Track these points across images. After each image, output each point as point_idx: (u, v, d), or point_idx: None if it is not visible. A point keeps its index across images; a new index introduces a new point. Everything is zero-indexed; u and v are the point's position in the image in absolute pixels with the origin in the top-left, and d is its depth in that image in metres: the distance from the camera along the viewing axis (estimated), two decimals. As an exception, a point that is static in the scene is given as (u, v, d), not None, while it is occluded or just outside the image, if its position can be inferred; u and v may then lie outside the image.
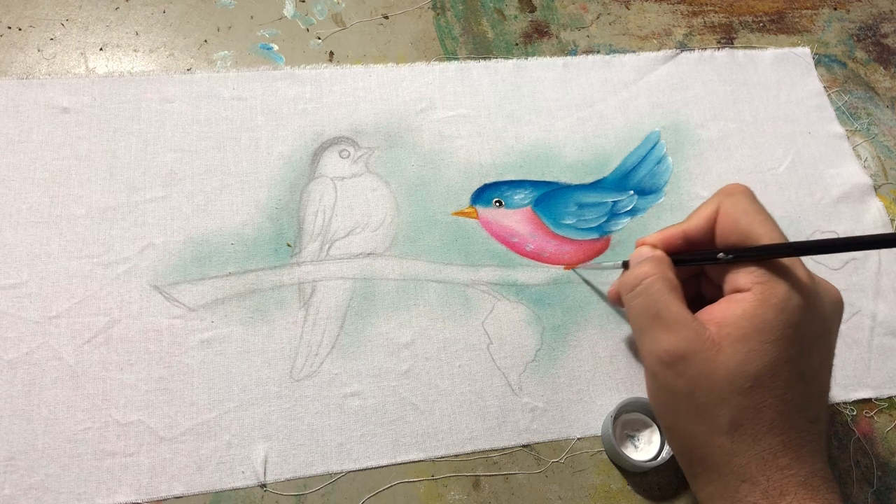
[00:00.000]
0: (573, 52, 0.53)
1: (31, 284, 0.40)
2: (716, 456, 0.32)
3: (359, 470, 0.39)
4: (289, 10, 0.52)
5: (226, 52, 0.49)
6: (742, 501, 0.32)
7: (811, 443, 0.32)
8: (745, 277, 0.33)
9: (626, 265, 0.40)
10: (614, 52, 0.54)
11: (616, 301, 0.43)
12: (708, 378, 0.32)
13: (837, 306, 0.35)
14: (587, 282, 0.45)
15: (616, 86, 0.52)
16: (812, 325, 0.33)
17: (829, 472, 0.32)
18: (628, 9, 0.56)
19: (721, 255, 0.34)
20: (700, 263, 0.37)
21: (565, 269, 0.45)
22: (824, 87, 0.55)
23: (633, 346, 0.43)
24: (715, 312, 0.33)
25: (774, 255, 0.33)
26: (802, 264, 0.33)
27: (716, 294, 0.35)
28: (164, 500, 0.37)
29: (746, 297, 0.32)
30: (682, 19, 0.57)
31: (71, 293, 0.40)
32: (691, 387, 0.32)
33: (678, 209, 0.48)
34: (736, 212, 0.35)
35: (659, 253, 0.37)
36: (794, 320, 0.32)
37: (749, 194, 0.35)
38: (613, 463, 0.40)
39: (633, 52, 0.54)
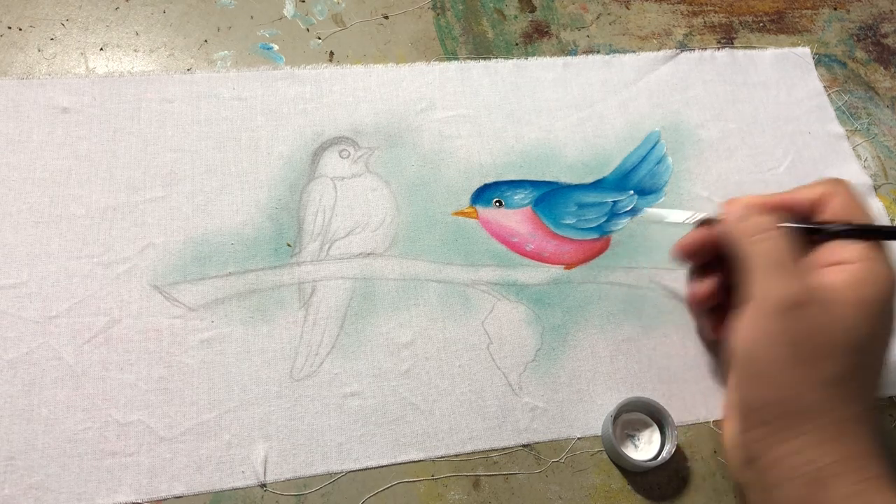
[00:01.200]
0: (573, 52, 0.53)
1: (31, 284, 0.40)
2: (813, 407, 0.33)
3: (359, 470, 0.38)
4: (289, 10, 0.52)
5: (226, 52, 0.49)
6: (832, 455, 0.32)
7: (875, 423, 0.34)
8: (850, 252, 0.35)
9: (700, 224, 0.41)
10: (614, 52, 0.54)
11: (687, 254, 0.41)
12: (825, 329, 0.33)
13: None
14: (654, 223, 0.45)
15: (616, 86, 0.52)
16: (892, 316, 0.35)
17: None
18: (628, 9, 0.56)
19: (834, 226, 0.36)
20: (812, 232, 0.37)
21: (568, 271, 0.45)
22: (824, 87, 0.55)
23: (634, 346, 0.43)
24: (823, 276, 0.34)
25: (887, 237, 0.35)
26: None
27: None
28: (164, 500, 0.37)
29: (853, 268, 0.34)
30: (682, 19, 0.57)
31: (71, 293, 0.40)
32: (806, 334, 0.33)
33: (678, 209, 0.48)
34: (854, 197, 0.37)
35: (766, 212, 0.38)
36: (891, 303, 0.34)
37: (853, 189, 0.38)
38: (613, 462, 0.40)
39: (633, 52, 0.54)
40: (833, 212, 0.37)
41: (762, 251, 0.36)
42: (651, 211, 0.45)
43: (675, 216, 0.43)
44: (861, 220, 0.36)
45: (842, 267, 0.35)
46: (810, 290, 0.34)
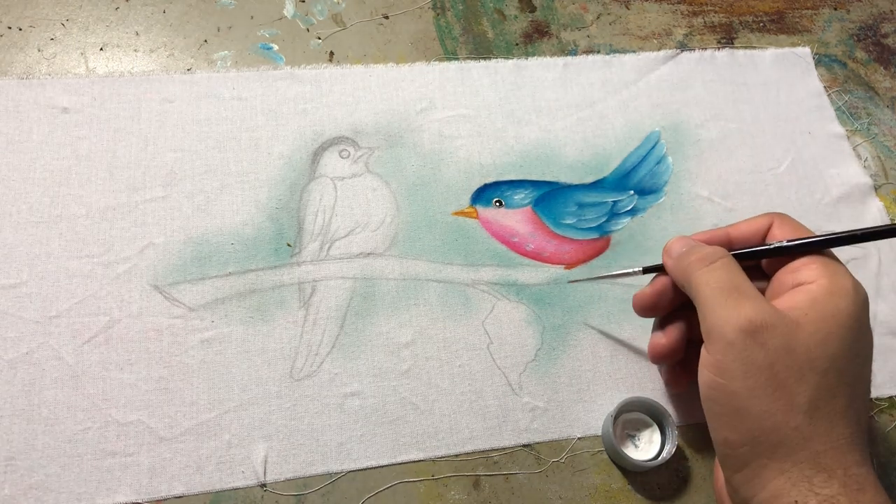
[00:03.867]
0: (573, 52, 0.53)
1: (31, 284, 0.40)
2: (791, 440, 0.31)
3: (359, 470, 0.38)
4: (289, 10, 0.52)
5: (226, 52, 0.49)
6: (818, 494, 0.30)
7: (866, 443, 0.32)
8: (808, 273, 0.34)
9: (647, 270, 0.40)
10: (614, 52, 0.54)
11: (645, 308, 0.40)
12: (789, 351, 0.31)
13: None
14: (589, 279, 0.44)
15: (616, 86, 0.52)
16: (867, 329, 0.33)
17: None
18: (628, 9, 0.56)
19: (778, 244, 0.36)
20: (758, 257, 0.37)
21: (567, 271, 0.45)
22: (824, 87, 0.55)
23: (634, 346, 0.43)
24: (783, 302, 0.33)
25: (839, 244, 0.35)
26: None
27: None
28: (164, 500, 0.37)
29: (813, 287, 0.33)
30: (683, 19, 0.57)
31: (71, 293, 0.40)
32: (772, 358, 0.31)
33: (678, 209, 0.48)
34: (796, 225, 0.37)
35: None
36: (858, 313, 0.32)
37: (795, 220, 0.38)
38: (614, 462, 0.40)
39: (634, 52, 0.54)
40: (777, 236, 0.37)
41: (714, 279, 0.34)
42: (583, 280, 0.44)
43: (618, 272, 0.42)
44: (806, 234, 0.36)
45: (801, 288, 0.33)
46: (771, 312, 0.32)
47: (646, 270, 0.40)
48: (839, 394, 0.31)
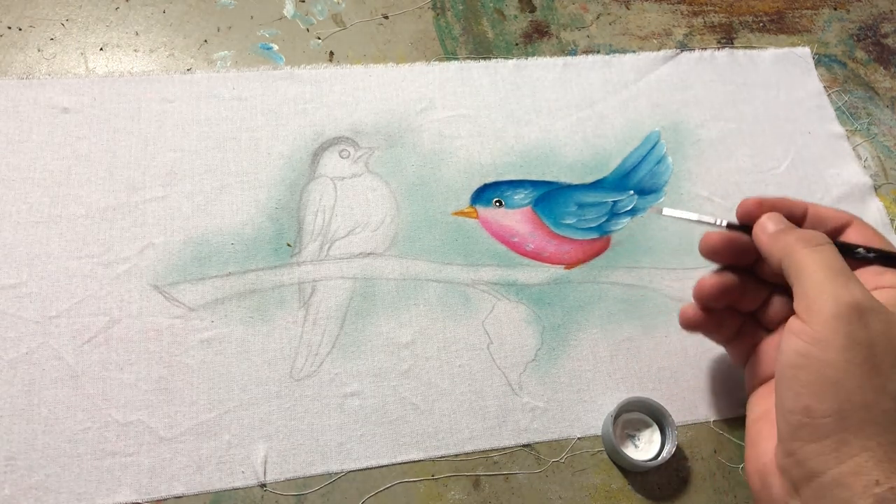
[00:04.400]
0: (573, 52, 0.53)
1: (31, 284, 0.40)
2: (879, 421, 0.31)
3: (359, 470, 0.38)
4: (289, 10, 0.52)
5: (226, 52, 0.49)
6: None
7: None
8: (889, 279, 0.35)
9: (731, 227, 0.38)
10: (614, 52, 0.54)
11: (712, 251, 0.39)
12: (889, 338, 0.32)
13: None
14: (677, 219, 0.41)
15: (616, 86, 0.52)
16: None
17: None
18: (628, 9, 0.56)
19: (862, 250, 0.36)
20: (851, 255, 0.37)
21: (567, 271, 0.45)
22: (824, 87, 0.55)
23: (634, 346, 0.43)
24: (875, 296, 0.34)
25: None
26: None
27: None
28: (164, 500, 0.37)
29: (892, 292, 0.34)
30: (682, 19, 0.57)
31: (71, 293, 0.40)
32: (872, 339, 0.32)
33: (678, 209, 0.48)
34: (872, 232, 0.37)
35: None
36: None
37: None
38: (614, 462, 0.40)
39: (633, 52, 0.54)
40: (852, 238, 0.37)
41: (822, 259, 0.34)
42: (671, 211, 0.41)
43: (703, 217, 0.39)
44: (882, 245, 0.37)
45: (885, 290, 0.35)
46: (874, 299, 0.33)
47: (730, 227, 0.39)
48: None
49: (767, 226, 0.37)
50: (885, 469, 0.30)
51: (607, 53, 0.54)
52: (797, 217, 0.38)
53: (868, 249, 0.36)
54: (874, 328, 0.32)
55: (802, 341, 0.33)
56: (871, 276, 0.36)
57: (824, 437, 0.32)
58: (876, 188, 0.51)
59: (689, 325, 0.40)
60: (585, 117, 0.51)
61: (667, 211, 0.40)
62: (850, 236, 0.38)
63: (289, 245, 0.43)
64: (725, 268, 0.39)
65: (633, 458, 0.38)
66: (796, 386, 0.33)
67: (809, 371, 0.33)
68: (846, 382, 0.31)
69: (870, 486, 0.30)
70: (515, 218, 0.46)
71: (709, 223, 0.39)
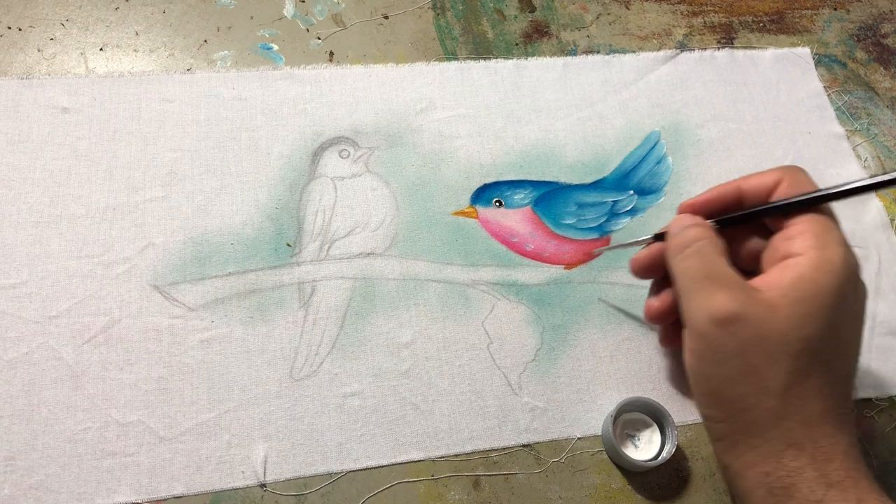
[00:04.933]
0: (573, 52, 0.53)
1: (31, 284, 0.40)
2: (763, 420, 0.32)
3: (359, 470, 0.38)
4: (289, 10, 0.52)
5: (226, 52, 0.49)
6: (787, 466, 0.31)
7: (848, 414, 0.33)
8: (800, 244, 0.33)
9: (657, 238, 0.39)
10: (614, 52, 0.54)
11: (640, 270, 0.41)
12: (762, 339, 0.32)
13: (866, 290, 0.35)
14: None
15: (616, 86, 0.52)
16: (856, 300, 0.33)
17: (859, 445, 0.33)
18: (628, 9, 0.56)
19: (765, 205, 0.35)
20: (749, 219, 0.37)
21: (567, 271, 0.45)
22: (824, 87, 0.55)
23: (634, 346, 0.43)
24: (769, 278, 0.33)
25: (832, 199, 0.34)
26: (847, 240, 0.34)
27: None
28: (164, 500, 0.37)
29: (801, 261, 0.33)
30: (682, 19, 0.57)
31: (71, 293, 0.40)
32: (743, 347, 0.32)
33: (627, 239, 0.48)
34: (805, 182, 0.35)
35: (702, 220, 0.37)
36: (844, 291, 0.32)
37: (808, 175, 0.36)
38: (614, 462, 0.40)
39: (633, 52, 0.54)
40: (783, 194, 0.36)
41: (688, 268, 0.34)
42: (617, 243, 0.44)
43: (635, 240, 0.42)
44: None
45: (788, 264, 0.33)
46: (745, 300, 0.32)
47: (656, 238, 0.40)
48: (813, 373, 0.32)
49: (670, 229, 0.37)
50: (772, 463, 0.32)
51: (607, 53, 0.54)
52: (730, 200, 0.37)
53: (744, 215, 0.36)
54: (744, 334, 0.32)
55: (689, 357, 0.35)
56: (784, 241, 0.34)
57: (722, 438, 0.34)
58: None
59: (651, 316, 0.41)
60: (585, 117, 0.51)
61: (612, 244, 0.44)
62: (781, 191, 0.36)
63: (289, 245, 0.43)
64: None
65: (633, 459, 0.38)
66: (695, 396, 0.36)
67: (696, 382, 0.35)
68: (726, 392, 0.33)
69: (761, 478, 0.32)
70: (515, 218, 0.46)
71: (645, 240, 0.41)
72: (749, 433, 0.33)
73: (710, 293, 0.33)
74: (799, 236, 0.34)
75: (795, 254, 0.33)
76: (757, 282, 0.34)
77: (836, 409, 0.32)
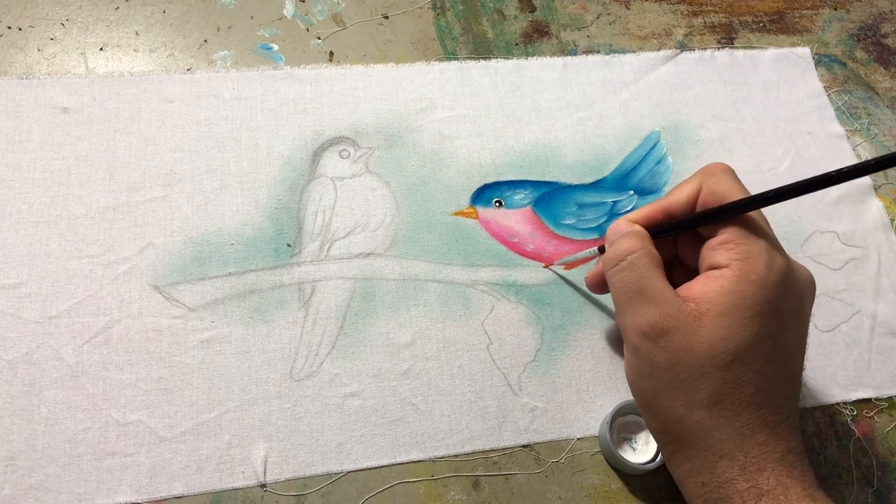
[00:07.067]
0: (573, 52, 0.53)
1: (31, 284, 0.40)
2: (694, 432, 0.32)
3: (359, 470, 0.39)
4: (289, 10, 0.52)
5: (226, 52, 0.49)
6: (720, 477, 0.32)
7: (787, 419, 0.32)
8: (722, 255, 0.33)
9: (601, 250, 0.40)
10: (614, 52, 0.54)
11: (594, 286, 0.42)
12: (689, 352, 0.32)
13: (811, 286, 0.35)
14: (563, 278, 0.44)
15: (616, 86, 0.52)
16: (789, 302, 0.33)
17: (802, 448, 0.33)
18: (628, 9, 0.56)
19: (681, 219, 0.36)
20: (679, 230, 0.36)
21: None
22: (824, 87, 0.55)
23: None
24: (693, 289, 0.33)
25: (755, 207, 0.33)
26: (778, 244, 0.34)
27: (688, 280, 0.35)
28: (164, 500, 0.37)
29: (725, 273, 0.33)
30: (682, 19, 0.57)
31: (71, 293, 0.40)
32: (672, 361, 0.32)
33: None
34: (720, 189, 0.35)
35: (638, 227, 0.37)
36: (771, 297, 0.32)
37: (731, 173, 0.36)
38: (612, 467, 0.40)
39: (633, 52, 0.54)
40: (707, 202, 0.35)
41: (621, 282, 0.35)
42: (557, 266, 0.45)
43: (582, 254, 0.43)
44: (730, 198, 0.34)
45: (711, 275, 0.33)
46: (671, 314, 0.32)
47: (601, 251, 0.40)
48: (745, 382, 0.32)
49: (608, 238, 0.38)
50: (706, 474, 0.32)
51: (607, 53, 0.54)
52: (661, 219, 0.37)
53: (672, 225, 0.36)
54: (672, 348, 0.32)
55: (626, 369, 0.36)
56: (709, 251, 0.34)
57: (664, 447, 0.35)
58: (876, 188, 0.51)
59: (591, 286, 0.42)
60: (585, 117, 0.51)
61: (561, 263, 0.44)
62: (705, 200, 0.35)
63: (289, 245, 0.43)
64: None
65: (630, 462, 0.38)
66: (638, 406, 0.36)
67: (634, 393, 0.36)
68: (657, 405, 0.34)
69: (698, 488, 0.33)
70: (515, 218, 0.46)
71: (592, 252, 0.42)
72: (682, 444, 0.33)
73: (640, 307, 0.33)
74: (720, 247, 0.33)
75: (720, 265, 0.33)
76: (684, 293, 0.33)
77: (773, 416, 0.32)
